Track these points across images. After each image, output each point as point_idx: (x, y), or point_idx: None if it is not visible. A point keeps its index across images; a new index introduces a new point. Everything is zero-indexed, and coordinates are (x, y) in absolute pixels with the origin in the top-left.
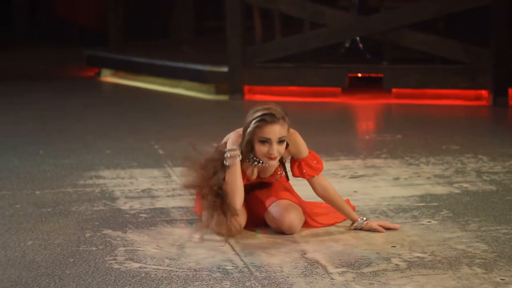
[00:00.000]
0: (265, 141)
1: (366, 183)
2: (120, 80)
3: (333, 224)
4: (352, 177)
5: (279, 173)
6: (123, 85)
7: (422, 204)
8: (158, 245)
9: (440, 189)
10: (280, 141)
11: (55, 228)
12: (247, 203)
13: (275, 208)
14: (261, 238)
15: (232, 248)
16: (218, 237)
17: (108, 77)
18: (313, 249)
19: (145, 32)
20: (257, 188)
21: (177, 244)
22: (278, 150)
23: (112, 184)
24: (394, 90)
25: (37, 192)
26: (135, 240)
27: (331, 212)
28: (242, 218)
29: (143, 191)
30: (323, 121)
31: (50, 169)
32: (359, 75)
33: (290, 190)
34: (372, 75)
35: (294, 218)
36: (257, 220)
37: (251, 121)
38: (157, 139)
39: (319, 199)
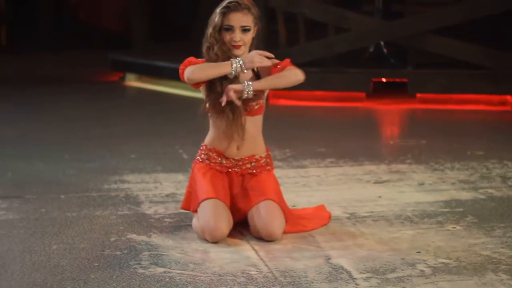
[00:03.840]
0: (229, 28)
1: (391, 189)
2: (145, 84)
3: (317, 228)
4: (377, 182)
5: (255, 93)
6: (147, 89)
7: (447, 209)
8: (182, 250)
9: (465, 195)
10: (244, 30)
11: (80, 232)
12: (235, 199)
13: (259, 212)
14: (285, 243)
15: (256, 253)
16: (242, 241)
17: (133, 81)
18: (337, 254)
19: (169, 36)
20: (247, 184)
21: (202, 249)
22: (241, 38)
23: (136, 189)
24: (418, 95)
25: (62, 196)
26: (159, 245)
27: (315, 217)
28: (226, 225)
29: (167, 195)
30: (347, 126)
31: (75, 174)
32: (384, 80)
33: (277, 192)
34: (396, 80)
35: (277, 227)
36: (244, 214)
37: (217, 11)
38: (181, 143)
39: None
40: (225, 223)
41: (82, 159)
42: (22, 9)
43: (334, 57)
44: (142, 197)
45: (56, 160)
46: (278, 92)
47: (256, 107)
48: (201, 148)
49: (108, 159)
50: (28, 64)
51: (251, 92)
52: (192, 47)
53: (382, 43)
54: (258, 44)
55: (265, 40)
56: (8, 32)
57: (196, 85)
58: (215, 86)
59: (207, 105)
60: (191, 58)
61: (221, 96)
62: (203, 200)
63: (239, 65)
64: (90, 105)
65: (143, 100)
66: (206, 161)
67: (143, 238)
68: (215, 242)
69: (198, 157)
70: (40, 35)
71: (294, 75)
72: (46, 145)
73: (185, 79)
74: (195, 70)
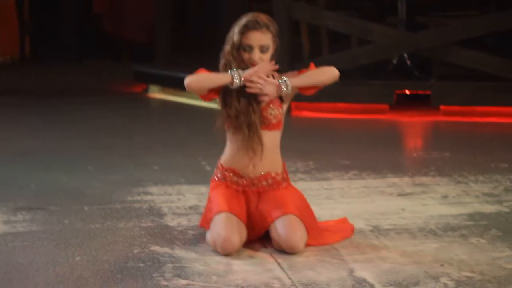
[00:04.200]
0: (248, 47)
1: (414, 201)
2: (168, 96)
3: (340, 241)
4: (400, 194)
5: (272, 105)
6: (170, 101)
7: (471, 222)
8: (205, 262)
9: (489, 208)
10: (263, 49)
11: (103, 244)
12: (250, 217)
13: (280, 225)
14: (308, 255)
15: (279, 265)
16: (265, 254)
17: (156, 93)
18: (360, 267)
19: (192, 48)
20: (263, 200)
21: (225, 261)
22: (260, 57)
23: (159, 201)
24: (442, 107)
25: (86, 208)
26: (182, 257)
27: (338, 230)
28: (237, 238)
29: (190, 207)
30: (370, 138)
31: (98, 185)
32: (407, 92)
33: (298, 205)
34: (419, 92)
35: (299, 239)
36: (261, 231)
37: (235, 29)
38: (204, 155)
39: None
40: (236, 236)
41: (106, 171)
42: (46, 20)
43: (357, 69)
44: (165, 209)
45: (80, 171)
46: (301, 103)
47: (273, 121)
48: (217, 166)
49: (131, 171)
50: (52, 75)
51: (290, 88)
52: (215, 59)
53: (405, 55)
54: (282, 56)
55: (288, 52)
56: (32, 43)
57: (204, 97)
58: (230, 100)
59: (223, 120)
60: (201, 69)
61: (237, 111)
62: (215, 214)
63: (237, 76)
64: (114, 116)
65: (166, 111)
66: (222, 180)
67: (166, 250)
68: (227, 254)
69: (215, 176)
70: (64, 46)
71: (330, 70)
72: (69, 157)
73: (185, 86)
74: (194, 79)
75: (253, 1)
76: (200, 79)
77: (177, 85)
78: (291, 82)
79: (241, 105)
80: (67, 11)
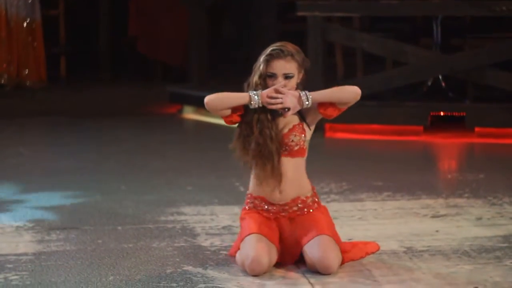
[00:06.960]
0: (272, 75)
1: (448, 223)
2: (202, 117)
3: (364, 257)
4: (434, 216)
5: (295, 132)
6: (204, 122)
7: (505, 244)
8: (238, 282)
9: None
10: (287, 77)
11: (136, 263)
12: (284, 243)
13: (314, 246)
14: (342, 276)
15: (313, 286)
16: (298, 274)
17: (190, 114)
18: None
19: (227, 68)
20: (296, 225)
21: (258, 282)
22: (284, 84)
23: (193, 221)
24: (477, 129)
25: (119, 228)
26: (215, 277)
27: (364, 247)
28: (266, 259)
29: (223, 228)
30: (404, 159)
31: (132, 205)
32: (442, 113)
33: (330, 226)
34: (454, 114)
35: (333, 260)
36: (296, 255)
37: (260, 59)
38: (238, 176)
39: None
40: (265, 257)
41: (139, 191)
42: (81, 41)
43: (391, 90)
44: (198, 229)
45: (114, 191)
46: (335, 125)
47: (295, 148)
48: (247, 196)
49: (165, 191)
50: (87, 96)
51: (310, 100)
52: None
53: (440, 76)
54: (316, 77)
55: (323, 74)
56: (67, 64)
57: (226, 120)
58: (249, 128)
59: (240, 150)
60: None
61: (255, 140)
62: (246, 236)
63: (256, 97)
64: (148, 137)
65: (200, 132)
66: (253, 208)
67: (199, 270)
68: (255, 275)
69: (246, 205)
70: (99, 67)
71: (352, 88)
72: (103, 177)
73: (205, 105)
74: (213, 97)
75: (287, 23)
76: (219, 97)
77: None
78: (311, 95)
79: (258, 133)
80: (102, 33)
